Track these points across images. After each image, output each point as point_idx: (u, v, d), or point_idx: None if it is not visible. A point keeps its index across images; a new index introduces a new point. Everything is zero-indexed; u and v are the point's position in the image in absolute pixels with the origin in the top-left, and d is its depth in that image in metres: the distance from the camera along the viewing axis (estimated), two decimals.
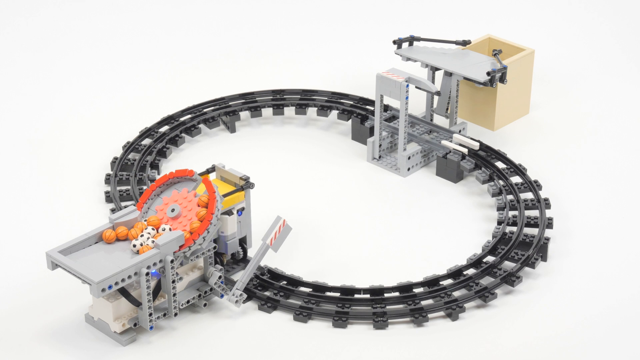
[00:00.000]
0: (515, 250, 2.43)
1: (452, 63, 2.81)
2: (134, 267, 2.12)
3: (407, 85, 2.66)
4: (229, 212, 2.30)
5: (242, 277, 2.27)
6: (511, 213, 2.56)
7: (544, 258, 2.44)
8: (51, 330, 2.23)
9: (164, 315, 2.22)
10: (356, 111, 2.93)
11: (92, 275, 2.08)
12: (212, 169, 2.36)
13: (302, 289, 2.34)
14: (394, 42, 2.85)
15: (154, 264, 2.15)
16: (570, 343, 2.21)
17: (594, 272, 2.41)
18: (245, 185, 2.32)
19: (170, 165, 2.81)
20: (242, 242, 2.38)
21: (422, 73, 3.04)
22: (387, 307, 2.29)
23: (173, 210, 2.23)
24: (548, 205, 2.57)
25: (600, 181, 2.74)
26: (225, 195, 2.28)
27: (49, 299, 2.31)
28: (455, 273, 2.37)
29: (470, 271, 2.39)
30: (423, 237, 2.54)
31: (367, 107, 2.96)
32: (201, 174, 2.30)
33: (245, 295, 2.27)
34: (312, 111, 3.04)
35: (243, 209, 2.33)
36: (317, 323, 2.28)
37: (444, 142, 2.73)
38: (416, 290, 2.34)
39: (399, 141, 2.75)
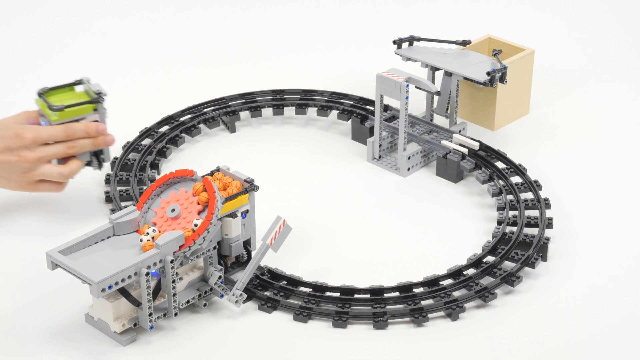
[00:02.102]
0: (515, 250, 2.43)
1: (452, 63, 2.81)
2: (134, 267, 2.12)
3: (407, 85, 2.66)
4: (232, 215, 2.30)
5: (242, 277, 2.27)
6: (511, 213, 2.56)
7: (544, 258, 2.44)
8: (51, 331, 2.23)
9: (164, 315, 2.22)
10: (356, 111, 2.93)
11: (92, 275, 2.08)
12: (216, 171, 2.36)
13: (302, 289, 2.34)
14: (394, 42, 2.85)
15: (154, 264, 2.15)
16: (570, 343, 2.21)
17: (594, 272, 2.41)
18: (249, 187, 2.32)
19: (170, 165, 2.81)
20: (247, 244, 2.38)
21: (422, 73, 3.04)
22: (387, 307, 2.29)
23: (173, 210, 2.23)
24: (548, 205, 2.57)
25: (600, 181, 2.74)
26: (228, 199, 2.28)
27: (49, 299, 2.31)
28: (455, 273, 2.37)
29: (470, 271, 2.39)
30: (423, 237, 2.54)
31: (367, 107, 2.96)
32: (204, 176, 2.30)
33: (245, 295, 2.27)
34: (312, 111, 3.04)
35: (247, 211, 2.33)
36: (317, 323, 2.28)
37: (444, 142, 2.73)
38: (416, 290, 2.34)
39: (399, 141, 2.75)
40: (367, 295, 2.31)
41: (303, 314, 2.28)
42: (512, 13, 3.62)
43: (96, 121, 2.49)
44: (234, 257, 2.36)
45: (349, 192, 2.71)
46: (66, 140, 2.45)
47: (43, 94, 2.50)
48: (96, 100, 2.48)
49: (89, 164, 2.55)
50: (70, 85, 2.54)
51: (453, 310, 2.27)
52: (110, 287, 2.09)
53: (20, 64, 3.32)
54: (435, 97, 2.88)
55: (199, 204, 2.22)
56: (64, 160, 2.49)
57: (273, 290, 2.33)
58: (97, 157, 2.55)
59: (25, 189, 2.48)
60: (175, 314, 2.22)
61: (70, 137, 2.44)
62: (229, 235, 2.31)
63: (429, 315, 2.28)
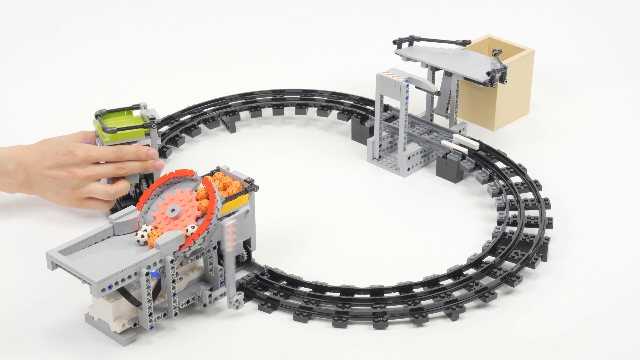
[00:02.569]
0: (515, 250, 2.43)
1: (452, 63, 2.81)
2: (134, 267, 2.12)
3: (407, 85, 2.66)
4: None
5: (227, 288, 2.25)
6: (511, 213, 2.56)
7: (544, 258, 2.44)
8: (51, 331, 2.23)
9: (164, 315, 2.22)
10: (356, 111, 2.93)
11: (92, 275, 2.08)
12: (216, 171, 2.36)
13: (302, 289, 2.34)
14: (394, 42, 2.85)
15: (154, 264, 2.15)
16: (570, 343, 2.21)
17: (594, 272, 2.41)
18: (249, 187, 2.32)
19: (170, 165, 2.81)
20: (247, 244, 2.38)
21: (422, 73, 3.04)
22: (387, 307, 2.29)
23: (173, 210, 2.23)
24: (548, 205, 2.57)
25: (600, 181, 2.74)
26: (228, 199, 2.28)
27: (49, 299, 2.31)
28: (455, 273, 2.37)
29: (470, 271, 2.39)
30: (423, 237, 2.54)
31: (367, 107, 2.96)
32: (204, 176, 2.30)
33: (241, 294, 2.26)
34: (312, 111, 3.04)
35: (247, 211, 2.34)
36: (317, 323, 2.28)
37: (444, 142, 2.73)
38: (416, 290, 2.34)
39: (399, 141, 2.75)
40: (367, 295, 2.31)
41: (303, 314, 2.28)
42: (512, 13, 3.62)
43: (148, 145, 2.54)
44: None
45: (349, 192, 2.71)
46: (116, 161, 2.52)
47: (100, 115, 2.57)
48: (148, 125, 2.54)
49: (138, 186, 2.58)
50: (127, 109, 2.61)
51: (453, 310, 2.27)
52: (110, 287, 2.09)
53: (23, 67, 3.32)
54: (435, 97, 2.88)
55: (198, 209, 2.22)
56: (114, 180, 2.55)
57: (273, 290, 2.33)
58: (147, 180, 2.61)
59: (73, 205, 2.55)
60: (175, 314, 2.22)
61: (120, 159, 2.52)
62: None
63: (429, 315, 2.28)
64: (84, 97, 3.13)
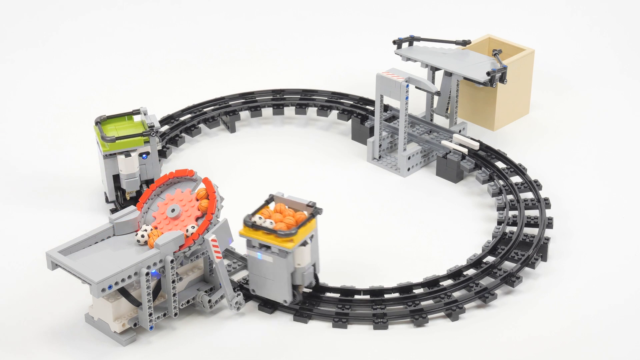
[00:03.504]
0: (515, 250, 2.43)
1: (452, 63, 2.81)
2: (134, 267, 2.12)
3: (407, 85, 2.66)
4: (304, 243, 2.23)
5: (225, 291, 2.24)
6: (511, 213, 2.56)
7: (544, 258, 2.44)
8: (51, 331, 2.23)
9: (164, 315, 2.22)
10: (356, 111, 2.93)
11: (92, 275, 2.08)
12: (271, 200, 2.30)
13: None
14: (394, 42, 2.85)
15: (154, 264, 2.15)
16: (570, 343, 2.21)
17: (594, 272, 2.41)
18: (314, 211, 2.25)
19: (170, 165, 2.81)
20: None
21: (422, 73, 3.04)
22: (387, 308, 2.29)
23: (173, 210, 2.23)
24: (548, 205, 2.57)
25: (601, 181, 2.74)
26: (301, 225, 2.20)
27: (49, 299, 2.31)
28: (455, 273, 2.37)
29: (470, 271, 2.39)
30: (423, 237, 2.54)
31: (367, 107, 2.96)
32: (262, 206, 2.26)
33: (240, 294, 2.26)
34: (312, 111, 3.04)
35: (148, 153, 2.41)
36: (317, 323, 2.28)
37: (444, 142, 2.73)
38: (416, 291, 2.34)
39: (399, 141, 2.75)
40: (367, 296, 2.31)
41: (303, 315, 2.28)
42: (512, 13, 3.62)
43: (147, 153, 2.54)
44: (304, 286, 2.28)
45: (349, 192, 2.71)
46: None
47: (99, 122, 2.56)
48: (147, 133, 2.53)
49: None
50: (128, 115, 2.60)
51: (453, 311, 2.27)
52: (110, 287, 2.09)
53: (23, 67, 3.32)
54: (435, 97, 2.88)
55: (198, 209, 2.22)
56: None
57: None
58: (147, 183, 2.59)
59: None
60: (175, 314, 2.22)
61: None
62: (302, 265, 2.23)
63: (429, 316, 2.28)
64: (85, 98, 3.13)
